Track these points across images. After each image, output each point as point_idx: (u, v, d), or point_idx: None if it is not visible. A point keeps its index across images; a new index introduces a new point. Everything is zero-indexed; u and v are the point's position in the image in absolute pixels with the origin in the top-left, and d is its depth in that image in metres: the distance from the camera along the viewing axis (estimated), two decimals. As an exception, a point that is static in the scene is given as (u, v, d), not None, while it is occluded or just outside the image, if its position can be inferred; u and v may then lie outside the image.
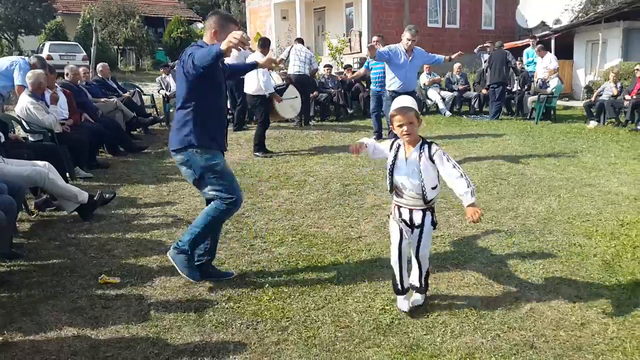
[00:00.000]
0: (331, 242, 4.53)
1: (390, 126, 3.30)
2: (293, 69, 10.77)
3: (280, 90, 8.64)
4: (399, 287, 3.31)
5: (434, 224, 3.28)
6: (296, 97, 9.12)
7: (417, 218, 3.23)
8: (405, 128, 3.10)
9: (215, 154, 3.54)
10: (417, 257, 3.34)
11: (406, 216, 3.26)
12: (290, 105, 8.83)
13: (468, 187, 3.02)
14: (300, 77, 10.64)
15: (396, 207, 3.31)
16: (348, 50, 19.70)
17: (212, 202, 3.63)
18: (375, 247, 4.39)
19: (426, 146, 3.13)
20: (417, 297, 3.41)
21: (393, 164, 3.22)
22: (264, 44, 8.53)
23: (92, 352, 2.90)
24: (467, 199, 3.02)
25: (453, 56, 7.61)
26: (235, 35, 2.98)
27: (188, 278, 3.64)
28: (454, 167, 3.08)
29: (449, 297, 3.52)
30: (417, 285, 3.39)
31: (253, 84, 8.18)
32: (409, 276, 3.37)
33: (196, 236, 3.61)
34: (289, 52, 11.29)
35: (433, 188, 3.17)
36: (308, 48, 11.85)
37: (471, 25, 23.01)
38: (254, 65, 4.41)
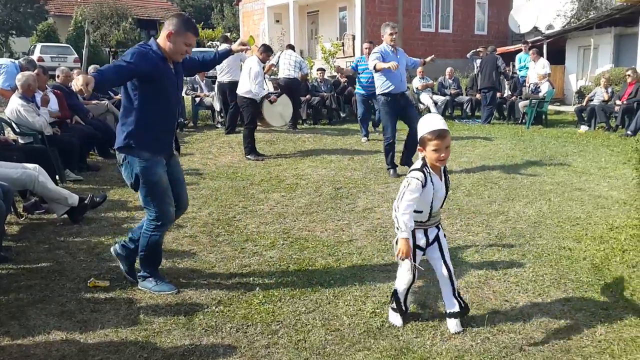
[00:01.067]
0: (322, 245, 4.53)
1: (419, 148, 3.01)
2: (283, 72, 10.78)
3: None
4: (404, 307, 3.21)
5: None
6: (287, 106, 8.97)
7: (432, 234, 3.09)
8: (443, 154, 2.87)
9: (154, 163, 3.41)
10: (448, 270, 3.08)
11: (421, 240, 3.06)
12: (279, 113, 8.66)
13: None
14: (291, 81, 10.66)
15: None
16: (341, 54, 19.75)
17: (145, 218, 3.59)
18: (367, 250, 4.40)
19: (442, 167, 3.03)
20: (456, 324, 3.11)
21: (433, 194, 2.97)
22: (266, 50, 8.48)
23: (81, 356, 2.88)
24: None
25: (427, 59, 7.55)
26: (78, 82, 2.88)
27: (167, 293, 3.60)
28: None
29: (439, 300, 3.51)
30: (457, 308, 3.10)
31: (245, 84, 8.18)
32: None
33: (145, 258, 3.63)
34: (279, 57, 11.31)
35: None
36: (301, 52, 11.91)
37: (464, 30, 23.13)
38: (228, 53, 4.08)
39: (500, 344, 2.98)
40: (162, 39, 3.37)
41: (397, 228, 2.89)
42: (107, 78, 3.16)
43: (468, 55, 14.85)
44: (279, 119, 8.79)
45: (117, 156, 3.52)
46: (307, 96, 11.70)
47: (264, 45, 8.72)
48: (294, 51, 11.47)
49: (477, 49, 14.13)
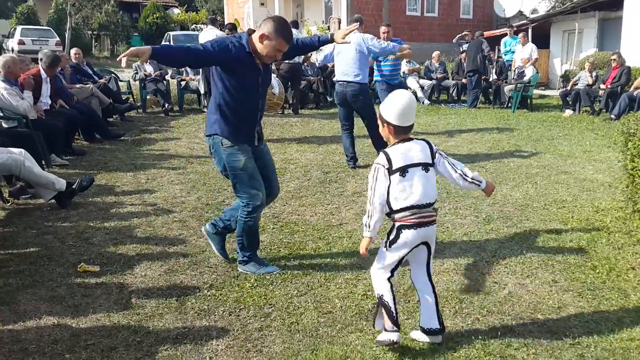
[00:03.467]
0: (312, 229, 4.54)
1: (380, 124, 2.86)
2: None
3: None
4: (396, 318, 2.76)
5: (385, 243, 2.77)
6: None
7: None
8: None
9: (237, 150, 3.47)
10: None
11: None
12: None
13: (366, 221, 2.72)
14: (294, 66, 10.37)
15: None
16: (327, 37, 19.60)
17: (239, 203, 3.65)
18: (357, 233, 4.41)
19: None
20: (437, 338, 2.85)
21: None
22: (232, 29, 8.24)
23: (73, 340, 2.87)
24: (364, 233, 2.73)
25: (398, 54, 7.08)
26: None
27: (273, 274, 3.64)
28: (371, 189, 2.72)
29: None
30: (438, 324, 2.80)
31: None
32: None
33: (243, 243, 3.68)
34: None
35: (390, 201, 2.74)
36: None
37: (449, 14, 23.12)
38: (328, 41, 3.98)
39: (489, 324, 3.03)
40: (255, 37, 3.38)
41: (474, 181, 2.86)
42: (168, 53, 3.44)
43: (454, 40, 14.86)
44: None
45: (207, 142, 3.63)
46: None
47: (229, 24, 8.54)
48: (298, 29, 11.11)
49: (464, 33, 14.14)
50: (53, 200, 5.01)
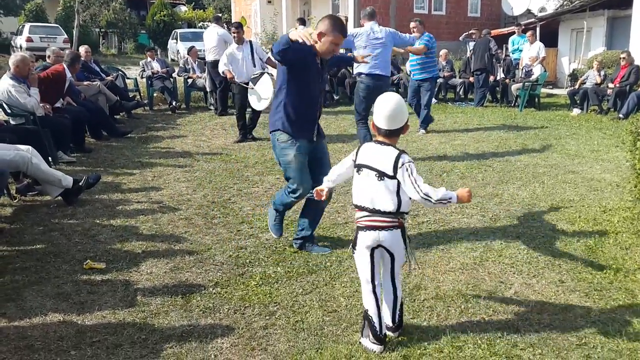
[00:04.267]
0: (318, 228, 4.51)
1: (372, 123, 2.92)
2: None
3: (254, 80, 7.37)
4: (379, 333, 2.78)
5: (352, 244, 2.87)
6: (265, 84, 7.23)
7: None
8: None
9: (289, 145, 3.74)
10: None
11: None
12: (259, 95, 7.25)
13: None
14: None
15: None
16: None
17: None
18: (362, 232, 4.40)
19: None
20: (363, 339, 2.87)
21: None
22: (238, 27, 8.29)
23: (79, 337, 2.88)
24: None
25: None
26: (304, 34, 3.28)
27: (271, 231, 4.21)
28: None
29: (435, 281, 3.55)
30: (391, 322, 2.87)
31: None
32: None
33: (274, 207, 4.17)
34: None
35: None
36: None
37: (457, 12, 23.01)
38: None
39: (496, 324, 3.02)
40: (315, 37, 3.59)
41: (442, 201, 2.61)
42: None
43: (461, 38, 14.78)
44: (262, 103, 7.33)
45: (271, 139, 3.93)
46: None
47: (234, 23, 8.60)
48: (305, 26, 11.16)
49: (470, 32, 14.07)
50: (60, 197, 5.03)
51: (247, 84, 7.64)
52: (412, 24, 8.30)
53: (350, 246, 2.86)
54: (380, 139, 2.74)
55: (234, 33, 8.27)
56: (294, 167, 3.78)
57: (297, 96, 3.70)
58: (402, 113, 2.70)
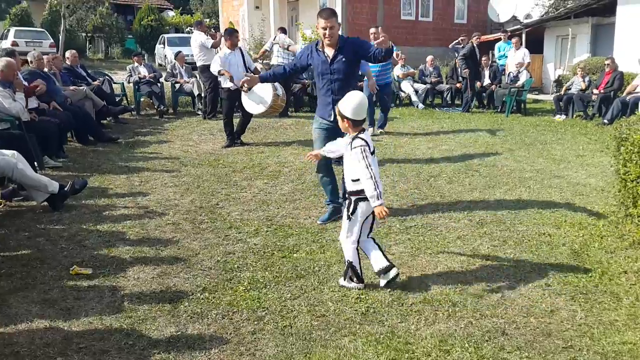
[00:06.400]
0: (306, 232, 4.54)
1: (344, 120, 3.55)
2: (277, 60, 10.65)
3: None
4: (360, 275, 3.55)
5: (347, 215, 3.42)
6: (264, 90, 7.14)
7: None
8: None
9: (314, 120, 4.77)
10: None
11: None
12: (258, 100, 7.12)
13: (375, 190, 3.22)
14: None
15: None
16: (322, 41, 19.63)
17: None
18: (350, 237, 4.41)
19: (353, 139, 3.36)
20: (341, 279, 3.60)
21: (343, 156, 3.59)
22: (230, 34, 8.21)
23: (65, 343, 2.85)
24: (372, 202, 3.25)
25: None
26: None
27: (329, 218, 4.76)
28: (367, 167, 3.25)
29: (422, 285, 3.56)
30: (387, 262, 3.53)
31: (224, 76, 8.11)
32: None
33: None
34: (272, 43, 11.18)
35: (353, 181, 3.38)
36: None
37: (444, 18, 23.17)
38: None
39: (483, 328, 3.04)
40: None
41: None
42: (270, 75, 5.22)
43: (450, 46, 14.90)
44: (258, 106, 7.21)
45: None
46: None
47: (227, 30, 8.59)
48: (286, 34, 11.26)
49: (460, 39, 14.19)
50: (45, 203, 4.98)
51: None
52: (371, 30, 8.72)
53: (348, 215, 3.41)
54: (358, 128, 3.39)
55: (227, 39, 8.13)
56: (314, 137, 4.71)
57: (317, 84, 4.73)
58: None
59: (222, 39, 8.42)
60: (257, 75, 5.12)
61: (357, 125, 3.38)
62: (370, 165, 3.26)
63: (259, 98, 7.06)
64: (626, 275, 3.72)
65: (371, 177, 3.23)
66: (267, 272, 3.75)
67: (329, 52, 4.52)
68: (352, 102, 3.36)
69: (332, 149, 3.80)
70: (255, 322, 3.10)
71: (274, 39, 11.34)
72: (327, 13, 4.36)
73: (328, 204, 4.86)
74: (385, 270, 3.45)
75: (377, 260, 3.47)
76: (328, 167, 4.75)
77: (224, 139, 8.29)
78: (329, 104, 4.56)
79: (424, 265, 3.87)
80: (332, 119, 4.48)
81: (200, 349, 2.83)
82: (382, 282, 3.49)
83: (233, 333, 2.99)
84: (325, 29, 4.33)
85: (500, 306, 3.28)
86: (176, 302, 3.31)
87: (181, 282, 3.59)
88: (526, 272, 3.77)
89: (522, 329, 3.03)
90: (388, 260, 3.48)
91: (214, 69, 8.06)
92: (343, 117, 3.38)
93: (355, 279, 3.50)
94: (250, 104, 7.19)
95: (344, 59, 4.48)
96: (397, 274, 3.48)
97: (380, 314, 3.19)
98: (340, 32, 4.54)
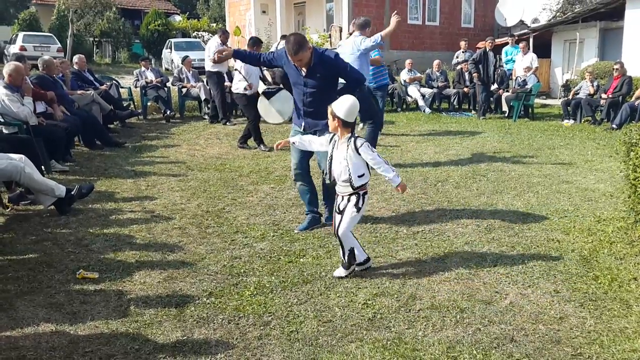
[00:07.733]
0: (313, 237, 4.52)
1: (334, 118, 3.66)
2: None
3: (269, 93, 7.38)
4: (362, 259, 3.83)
5: (357, 208, 3.62)
6: (286, 101, 7.33)
7: (342, 204, 3.66)
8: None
9: (292, 128, 4.73)
10: (337, 235, 3.69)
11: (340, 203, 3.69)
12: (277, 110, 7.42)
13: (393, 172, 3.56)
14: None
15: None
16: (329, 45, 19.68)
17: None
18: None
19: (352, 139, 3.54)
20: (340, 271, 3.75)
21: (331, 156, 3.68)
22: (255, 43, 8.32)
23: (71, 347, 2.85)
24: (395, 182, 3.58)
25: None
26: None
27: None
28: (378, 157, 3.56)
29: (430, 291, 3.54)
30: (343, 260, 3.74)
31: (237, 83, 8.15)
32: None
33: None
34: (276, 48, 11.19)
35: (359, 176, 3.59)
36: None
37: (451, 22, 23.18)
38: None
39: (491, 334, 3.01)
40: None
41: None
42: (245, 54, 4.97)
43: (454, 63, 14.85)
44: (277, 116, 7.51)
45: None
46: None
47: (252, 38, 8.62)
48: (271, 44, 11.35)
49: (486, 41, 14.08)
50: (52, 207, 4.99)
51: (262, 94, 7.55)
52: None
53: (357, 209, 3.62)
54: (349, 129, 3.59)
55: (253, 48, 8.12)
56: (293, 151, 4.60)
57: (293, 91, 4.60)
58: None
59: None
60: (231, 49, 4.97)
61: (346, 126, 3.56)
62: (379, 155, 3.57)
63: (278, 109, 7.16)
64: (636, 282, 3.68)
65: (385, 162, 3.55)
66: (273, 277, 3.73)
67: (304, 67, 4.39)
68: (346, 104, 3.52)
69: (304, 142, 3.97)
70: (262, 327, 3.08)
71: (276, 47, 11.36)
72: (294, 49, 4.13)
73: (307, 214, 4.81)
74: (364, 262, 3.80)
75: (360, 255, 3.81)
76: (305, 176, 4.74)
77: (231, 143, 8.29)
78: (300, 115, 4.58)
79: (432, 271, 3.85)
80: (302, 130, 4.52)
81: (206, 354, 2.82)
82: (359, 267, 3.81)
83: (239, 338, 2.97)
84: (294, 62, 4.28)
85: (508, 313, 3.25)
86: (182, 307, 3.30)
87: (187, 287, 3.58)
88: (535, 278, 3.74)
89: (530, 336, 3.00)
90: (367, 255, 3.84)
91: (241, 86, 8.12)
92: (335, 116, 3.53)
93: (354, 261, 3.72)
94: (271, 113, 7.25)
95: (318, 75, 4.34)
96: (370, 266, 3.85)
97: (388, 319, 3.17)
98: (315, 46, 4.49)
